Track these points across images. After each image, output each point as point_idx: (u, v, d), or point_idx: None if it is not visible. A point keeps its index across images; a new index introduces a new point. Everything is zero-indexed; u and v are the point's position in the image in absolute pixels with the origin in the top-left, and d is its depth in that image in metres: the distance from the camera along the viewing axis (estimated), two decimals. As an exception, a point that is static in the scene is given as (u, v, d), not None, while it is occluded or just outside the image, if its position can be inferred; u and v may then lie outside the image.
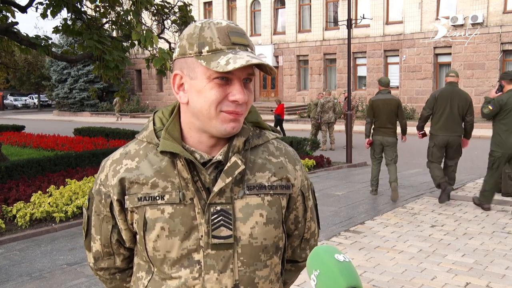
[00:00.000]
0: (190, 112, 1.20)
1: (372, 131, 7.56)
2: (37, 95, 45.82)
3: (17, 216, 6.17)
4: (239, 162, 1.19)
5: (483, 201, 6.62)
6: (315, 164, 10.57)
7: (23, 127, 18.74)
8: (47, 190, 7.26)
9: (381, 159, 7.67)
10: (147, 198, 1.20)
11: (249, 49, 1.17)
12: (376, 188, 7.85)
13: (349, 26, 11.83)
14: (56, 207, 6.53)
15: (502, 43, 21.68)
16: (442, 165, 7.21)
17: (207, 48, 1.13)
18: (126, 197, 1.22)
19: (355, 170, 10.66)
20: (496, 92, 6.43)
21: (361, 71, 26.50)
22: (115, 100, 29.28)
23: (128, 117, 30.70)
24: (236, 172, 1.19)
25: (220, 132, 1.18)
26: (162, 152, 1.20)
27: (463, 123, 7.04)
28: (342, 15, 25.45)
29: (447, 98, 6.84)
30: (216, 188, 1.18)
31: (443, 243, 5.37)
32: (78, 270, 4.81)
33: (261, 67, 1.15)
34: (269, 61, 29.51)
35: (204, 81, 1.14)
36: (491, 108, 6.25)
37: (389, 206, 7.10)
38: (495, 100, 6.25)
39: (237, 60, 1.09)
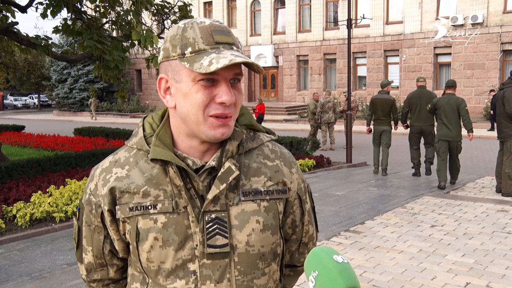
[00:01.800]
0: (178, 117, 1.16)
1: (372, 122, 9.68)
2: (37, 95, 45.82)
3: (17, 216, 6.17)
4: (233, 167, 1.15)
5: (439, 180, 8.27)
6: (315, 164, 10.57)
7: (23, 127, 18.75)
8: (47, 190, 7.25)
9: (379, 144, 9.71)
10: (139, 208, 1.16)
11: (234, 47, 1.13)
12: (377, 168, 9.84)
13: (349, 26, 11.83)
14: (56, 207, 6.53)
15: (502, 43, 21.69)
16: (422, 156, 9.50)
17: (190, 49, 1.09)
18: (117, 207, 1.18)
19: (355, 170, 10.66)
20: (442, 95, 8.41)
21: (361, 71, 26.50)
22: (90, 100, 30.08)
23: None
24: (230, 178, 1.14)
25: (209, 138, 1.13)
26: (153, 160, 1.16)
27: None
28: (342, 15, 25.45)
29: (417, 98, 8.94)
30: (210, 196, 1.14)
31: (443, 243, 5.37)
32: (78, 270, 4.80)
33: (248, 65, 1.10)
34: (269, 61, 29.53)
35: (189, 84, 1.10)
36: (429, 106, 8.30)
37: (389, 206, 7.10)
38: (431, 101, 8.29)
39: (220, 60, 1.05)
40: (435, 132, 8.67)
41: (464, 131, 9.09)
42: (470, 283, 4.24)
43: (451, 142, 8.14)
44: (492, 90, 18.91)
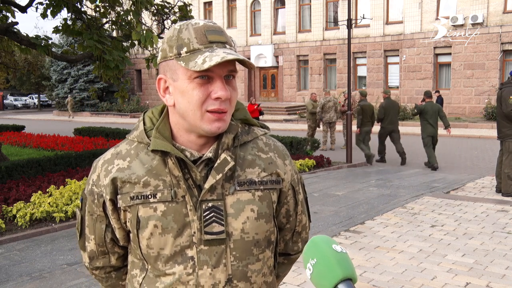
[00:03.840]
0: (177, 114, 1.22)
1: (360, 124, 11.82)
2: (37, 95, 45.80)
3: (17, 216, 6.17)
4: (229, 158, 1.21)
5: (432, 162, 10.58)
6: (315, 164, 10.57)
7: (23, 127, 18.73)
8: (47, 190, 7.25)
9: (365, 140, 11.72)
10: (140, 197, 1.22)
11: (227, 46, 1.19)
12: (372, 157, 11.62)
13: (349, 26, 11.83)
14: (56, 207, 6.53)
15: (502, 43, 21.68)
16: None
17: (185, 49, 1.16)
18: (118, 196, 1.24)
19: (355, 170, 10.67)
20: (421, 102, 11.12)
21: (361, 71, 26.50)
22: (67, 99, 31.27)
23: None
24: (226, 169, 1.21)
25: (206, 132, 1.20)
26: (153, 151, 1.22)
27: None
28: (342, 15, 25.45)
29: (389, 107, 11.50)
30: (207, 185, 1.20)
31: (443, 243, 5.38)
32: (78, 270, 4.81)
33: (242, 62, 1.16)
34: (269, 61, 29.52)
35: (186, 82, 1.17)
36: (416, 111, 10.83)
37: (389, 206, 7.10)
38: (418, 107, 10.78)
39: (213, 57, 1.11)
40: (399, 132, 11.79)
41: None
42: (470, 283, 4.24)
43: (434, 137, 10.57)
44: (437, 91, 19.95)
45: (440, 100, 19.37)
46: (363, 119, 11.65)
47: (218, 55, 1.12)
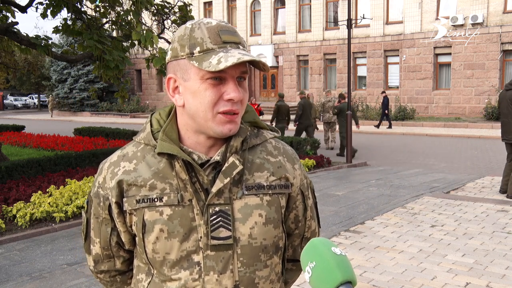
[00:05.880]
0: (186, 114, 1.19)
1: (276, 121, 13.77)
2: (37, 95, 45.80)
3: (17, 216, 6.17)
4: (237, 162, 1.18)
5: (341, 152, 12.65)
6: (315, 164, 10.57)
7: (23, 127, 18.73)
8: (47, 190, 7.25)
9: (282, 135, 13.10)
10: (146, 200, 1.19)
11: (240, 47, 1.17)
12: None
13: (349, 26, 11.84)
14: (56, 207, 6.53)
15: (502, 43, 21.67)
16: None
17: (198, 49, 1.13)
18: (124, 199, 1.22)
19: (355, 170, 10.67)
20: (337, 103, 13.29)
21: (361, 71, 26.49)
22: (49, 98, 32.54)
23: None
24: (234, 172, 1.18)
25: (217, 134, 1.17)
26: (159, 154, 1.20)
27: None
28: (342, 15, 25.44)
29: (306, 105, 13.44)
30: (214, 189, 1.17)
31: (443, 243, 5.37)
32: (78, 270, 4.81)
33: (254, 63, 1.14)
34: (269, 61, 29.52)
35: (198, 82, 1.14)
36: (336, 110, 13.01)
37: (389, 206, 7.10)
38: (338, 107, 12.93)
39: (229, 58, 1.09)
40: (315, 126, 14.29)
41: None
42: (470, 283, 4.24)
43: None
44: (383, 92, 20.69)
45: (386, 100, 20.16)
46: (278, 117, 13.53)
47: (234, 56, 1.09)
